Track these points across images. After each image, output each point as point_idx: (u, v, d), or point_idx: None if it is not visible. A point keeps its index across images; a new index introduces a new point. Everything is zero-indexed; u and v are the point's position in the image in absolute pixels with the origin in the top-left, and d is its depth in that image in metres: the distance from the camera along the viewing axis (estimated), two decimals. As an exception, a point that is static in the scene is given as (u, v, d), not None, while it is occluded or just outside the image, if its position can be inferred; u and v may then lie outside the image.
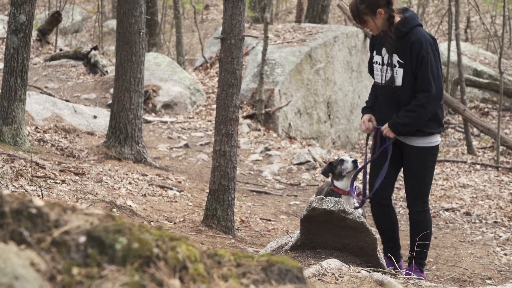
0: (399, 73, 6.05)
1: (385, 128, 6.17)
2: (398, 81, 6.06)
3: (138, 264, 1.79)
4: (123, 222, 1.90)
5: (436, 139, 6.24)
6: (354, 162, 6.74)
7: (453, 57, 17.01)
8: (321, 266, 4.24)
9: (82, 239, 1.77)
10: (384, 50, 6.16)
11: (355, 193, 6.69)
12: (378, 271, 4.82)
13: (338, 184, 6.74)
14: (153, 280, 1.79)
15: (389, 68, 6.09)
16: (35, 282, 1.60)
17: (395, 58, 6.07)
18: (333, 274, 4.16)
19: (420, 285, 4.87)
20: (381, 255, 5.40)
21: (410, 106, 6.03)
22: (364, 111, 6.47)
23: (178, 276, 1.87)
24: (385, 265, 5.46)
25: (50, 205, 1.87)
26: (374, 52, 6.30)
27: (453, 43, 16.38)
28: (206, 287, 1.91)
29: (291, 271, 2.17)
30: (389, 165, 6.26)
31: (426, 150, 6.18)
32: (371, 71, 6.41)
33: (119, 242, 1.80)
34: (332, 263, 4.39)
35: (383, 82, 6.14)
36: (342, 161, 6.78)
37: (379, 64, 6.20)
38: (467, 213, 9.78)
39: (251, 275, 2.09)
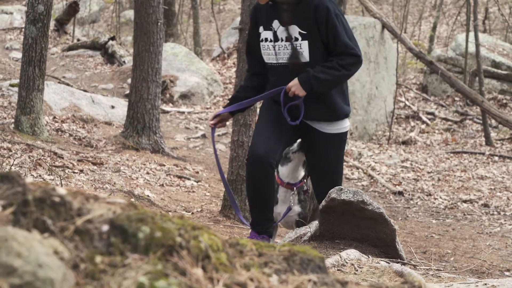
0: (303, 47, 5.10)
1: (293, 84, 5.10)
2: (305, 57, 5.11)
3: (161, 253, 1.79)
4: (146, 211, 1.90)
5: (348, 123, 5.43)
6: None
7: (471, 48, 16.91)
8: (340, 257, 4.23)
9: (105, 227, 1.77)
10: (276, 23, 5.19)
11: (303, 188, 5.70)
12: (398, 262, 4.80)
13: (281, 170, 5.63)
14: (176, 269, 1.78)
15: (288, 43, 5.14)
16: (59, 270, 1.59)
17: (295, 29, 5.11)
18: (352, 264, 4.14)
19: (440, 276, 4.85)
20: (400, 246, 5.37)
21: (332, 63, 5.06)
22: (229, 102, 5.53)
23: (201, 265, 1.87)
24: (404, 256, 5.42)
25: (72, 194, 1.86)
26: (261, 28, 5.28)
27: (471, 34, 16.30)
28: (228, 276, 1.90)
29: (313, 261, 2.16)
30: (288, 130, 5.31)
31: (340, 137, 5.37)
32: (253, 52, 5.41)
33: (142, 231, 1.79)
34: (351, 254, 4.37)
35: (283, 61, 5.18)
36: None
37: (271, 41, 5.23)
38: (485, 205, 9.74)
39: (273, 264, 2.09)
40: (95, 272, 1.66)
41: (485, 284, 3.91)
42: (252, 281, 1.91)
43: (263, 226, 5.41)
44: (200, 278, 1.80)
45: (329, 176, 5.46)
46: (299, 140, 5.47)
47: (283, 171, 5.61)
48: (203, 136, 12.40)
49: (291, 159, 5.56)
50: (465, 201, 9.94)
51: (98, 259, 1.69)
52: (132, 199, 7.26)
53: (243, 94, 5.48)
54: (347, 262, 4.15)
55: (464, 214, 9.33)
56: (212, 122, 5.44)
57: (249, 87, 5.48)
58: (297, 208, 5.66)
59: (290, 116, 5.26)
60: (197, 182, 9.03)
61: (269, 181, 5.29)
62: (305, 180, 5.67)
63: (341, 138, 5.38)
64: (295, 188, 5.60)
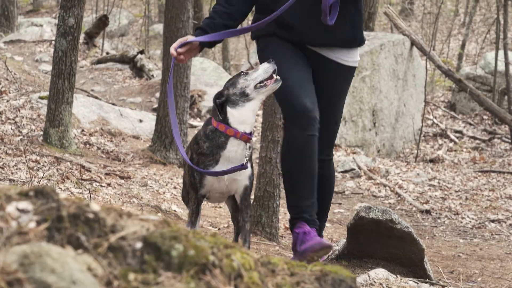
0: None
1: None
2: None
3: (194, 271, 1.78)
4: (179, 229, 1.89)
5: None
6: (270, 61, 4.38)
7: (501, 66, 16.83)
8: (369, 276, 4.21)
9: (139, 245, 1.77)
10: None
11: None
12: (426, 282, 4.77)
13: (234, 114, 4.30)
14: (208, 288, 1.78)
15: None
16: (92, 286, 1.59)
17: None
18: (380, 284, 4.12)
19: (468, 298, 4.81)
20: (428, 265, 5.33)
21: None
22: (201, 29, 4.57)
23: (233, 284, 1.86)
24: (432, 275, 5.38)
25: (106, 210, 1.87)
26: None
27: (501, 52, 16.21)
28: (261, 296, 1.89)
29: (344, 281, 2.15)
30: (310, 68, 4.66)
31: (353, 73, 4.81)
32: None
33: (176, 249, 1.79)
34: (379, 273, 4.35)
35: None
36: (245, 73, 4.41)
37: None
38: (514, 225, 9.67)
39: (305, 284, 2.08)
40: (129, 289, 1.66)
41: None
42: (284, 300, 1.91)
43: (312, 213, 4.55)
44: (233, 297, 1.80)
45: (335, 117, 4.81)
46: (263, 66, 4.37)
47: (236, 116, 4.31)
48: (230, 151, 12.41)
49: (252, 98, 4.33)
50: (493, 221, 9.85)
51: (131, 276, 1.68)
52: (159, 214, 7.27)
53: (220, 21, 4.57)
54: (375, 282, 4.13)
55: (492, 234, 9.25)
56: (179, 50, 4.49)
57: (227, 13, 4.61)
58: (248, 170, 4.42)
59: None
60: (224, 197, 9.03)
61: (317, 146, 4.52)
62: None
63: (353, 73, 4.83)
64: (251, 140, 4.39)
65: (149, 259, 1.75)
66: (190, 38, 4.50)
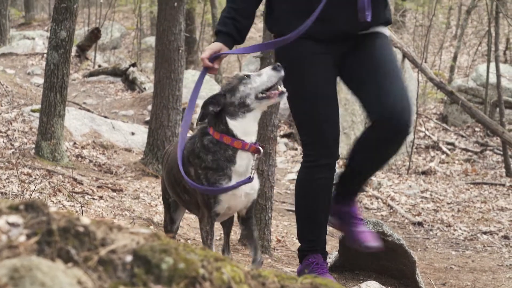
0: None
1: None
2: None
3: (184, 284, 1.79)
4: (169, 242, 1.90)
5: None
6: (277, 68, 3.93)
7: (492, 78, 16.88)
8: (361, 288, 4.21)
9: (129, 258, 1.77)
10: None
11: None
12: (417, 294, 4.78)
13: (236, 125, 3.94)
14: (198, 301, 1.78)
15: None
16: (82, 300, 1.60)
17: None
18: (372, 296, 4.12)
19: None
20: (420, 277, 5.33)
21: None
22: (220, 37, 4.22)
23: (223, 297, 1.86)
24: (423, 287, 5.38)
25: (96, 224, 1.87)
26: None
27: (492, 64, 16.26)
28: (251, 309, 1.89)
29: (335, 294, 2.15)
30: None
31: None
32: None
33: (166, 262, 1.80)
34: (371, 285, 4.35)
35: None
36: (246, 77, 3.98)
37: None
38: (505, 237, 9.67)
39: (295, 297, 2.08)
40: (119, 303, 1.66)
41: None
42: (274, 313, 1.91)
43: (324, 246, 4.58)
44: (223, 310, 1.80)
45: (399, 82, 4.17)
46: (268, 72, 3.95)
47: (239, 127, 3.94)
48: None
49: (253, 108, 3.95)
50: (485, 233, 9.87)
51: (122, 290, 1.68)
52: (151, 227, 7.26)
53: (244, 22, 4.26)
54: (367, 294, 4.13)
55: (484, 246, 9.26)
56: (209, 63, 4.17)
57: (246, 10, 4.28)
58: (256, 183, 4.10)
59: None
60: (216, 209, 9.01)
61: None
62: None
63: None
64: (261, 152, 3.99)
65: (139, 272, 1.75)
66: (223, 49, 4.16)
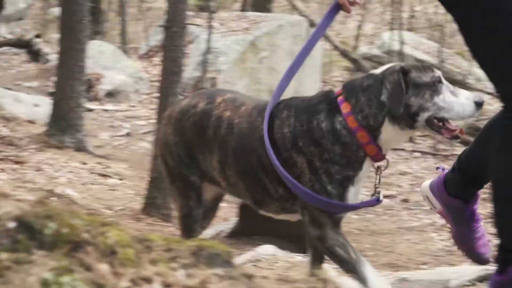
0: None
1: None
2: None
3: (67, 249, 1.82)
4: (54, 208, 1.93)
5: None
6: (478, 103, 3.01)
7: (396, 46, 17.18)
8: (256, 252, 4.31)
9: (12, 224, 1.80)
10: None
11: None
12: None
13: (389, 130, 3.05)
14: (82, 265, 1.82)
15: None
16: (-36, 266, 1.62)
17: None
18: (267, 260, 4.23)
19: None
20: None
21: None
22: None
23: (107, 260, 1.90)
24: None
25: (-20, 192, 1.89)
26: None
27: (397, 32, 16.56)
28: (134, 271, 1.94)
29: (220, 256, 2.21)
30: None
31: None
32: None
33: (49, 227, 1.82)
34: (268, 249, 4.45)
35: None
36: (439, 83, 3.01)
37: None
38: (405, 200, 9.92)
39: (181, 259, 2.13)
40: (0, 269, 1.70)
41: (396, 276, 4.03)
42: (158, 275, 1.96)
43: None
44: (106, 273, 1.84)
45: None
46: (467, 98, 3.00)
47: (391, 134, 3.07)
48: (128, 134, 12.34)
49: (415, 128, 3.06)
50: (385, 197, 10.07)
51: (4, 256, 1.72)
52: (53, 198, 7.23)
53: None
54: (262, 258, 4.23)
55: (384, 210, 9.50)
56: None
57: None
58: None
59: None
60: (120, 180, 9.01)
61: None
62: None
63: None
64: (383, 165, 3.20)
65: (22, 238, 1.78)
66: None
